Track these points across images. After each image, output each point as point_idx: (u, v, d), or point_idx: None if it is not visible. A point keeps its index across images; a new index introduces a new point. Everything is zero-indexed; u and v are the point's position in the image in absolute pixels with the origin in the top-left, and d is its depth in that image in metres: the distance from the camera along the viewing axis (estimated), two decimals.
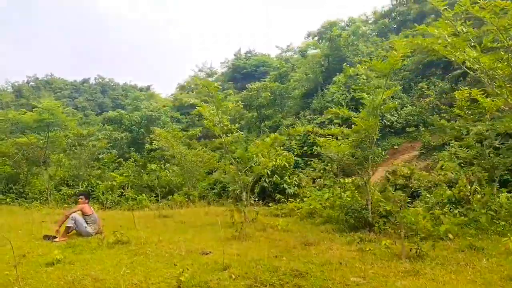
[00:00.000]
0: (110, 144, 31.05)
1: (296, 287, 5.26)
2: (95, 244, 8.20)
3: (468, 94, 9.01)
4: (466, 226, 8.71)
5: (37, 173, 21.50)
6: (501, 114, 11.31)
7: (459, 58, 7.70)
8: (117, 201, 19.37)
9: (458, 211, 10.00)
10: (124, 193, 20.50)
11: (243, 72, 66.40)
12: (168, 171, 22.71)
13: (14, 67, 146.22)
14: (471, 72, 7.80)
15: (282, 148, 12.99)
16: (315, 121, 28.39)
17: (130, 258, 6.93)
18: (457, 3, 6.89)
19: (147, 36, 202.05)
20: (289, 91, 38.03)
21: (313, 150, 25.50)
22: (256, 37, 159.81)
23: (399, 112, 23.50)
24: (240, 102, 11.17)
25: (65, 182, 22.84)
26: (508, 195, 10.49)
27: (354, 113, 9.40)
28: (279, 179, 16.62)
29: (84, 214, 9.38)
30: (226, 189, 22.52)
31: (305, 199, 14.89)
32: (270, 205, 14.73)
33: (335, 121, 24.95)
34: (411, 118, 23.56)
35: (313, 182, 19.32)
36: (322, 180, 18.23)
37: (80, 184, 21.42)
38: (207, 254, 7.28)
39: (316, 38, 48.77)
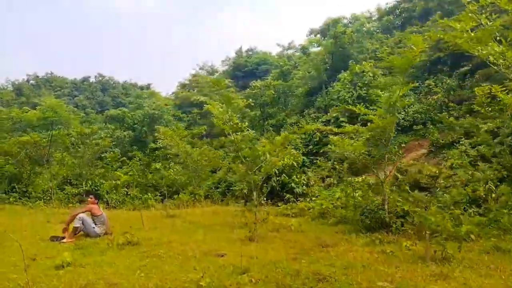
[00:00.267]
0: (113, 143, 30.76)
1: None
2: (104, 246, 7.95)
3: (489, 90, 8.74)
4: (486, 226, 8.45)
5: (40, 172, 21.24)
6: None
7: (482, 52, 7.43)
8: (121, 200, 19.09)
9: (473, 211, 9.76)
10: (128, 193, 20.22)
11: (245, 70, 65.93)
12: (172, 170, 22.45)
13: (14, 65, 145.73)
14: (495, 67, 7.53)
15: (292, 146, 12.68)
16: (320, 120, 28.06)
17: (143, 261, 6.69)
18: None
19: (145, 34, 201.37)
20: (293, 89, 37.66)
21: (319, 148, 25.32)
22: (257, 35, 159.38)
23: (406, 110, 23.16)
24: (251, 99, 10.88)
25: (68, 181, 22.55)
26: None
27: (370, 111, 9.12)
28: (287, 178, 16.37)
29: (93, 215, 9.13)
30: (231, 188, 22.28)
31: (313, 198, 14.64)
32: (279, 205, 14.48)
33: (341, 119, 24.65)
34: (419, 115, 23.22)
35: (323, 182, 19.05)
36: (332, 179, 17.95)
37: (84, 183, 21.16)
38: (222, 256, 7.04)
39: (318, 36, 48.46)
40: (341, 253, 7.00)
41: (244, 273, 5.79)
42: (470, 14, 7.26)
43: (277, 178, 14.94)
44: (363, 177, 15.45)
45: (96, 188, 20.65)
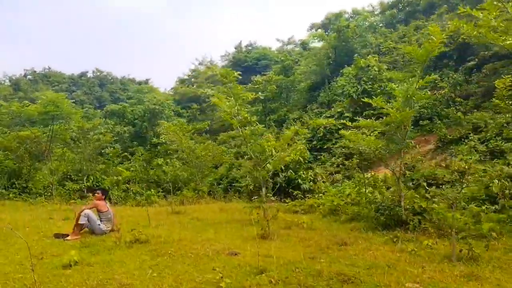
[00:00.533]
0: (114, 138, 30.39)
1: None
2: (111, 243, 7.63)
3: (510, 83, 8.43)
4: (507, 223, 8.17)
5: (40, 168, 20.90)
6: None
7: (507, 43, 7.11)
8: (123, 196, 18.78)
9: (486, 207, 9.49)
10: (130, 188, 19.92)
11: (244, 66, 65.46)
12: (174, 166, 22.12)
13: (11, 60, 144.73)
14: None
15: (302, 141, 12.37)
16: (323, 115, 27.74)
17: (153, 260, 6.39)
18: None
19: (142, 29, 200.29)
20: (295, 84, 37.32)
21: (323, 144, 25.04)
22: (256, 30, 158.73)
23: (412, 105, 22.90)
24: (260, 93, 10.57)
25: (69, 177, 22.22)
26: None
27: (386, 104, 8.80)
28: (293, 174, 16.06)
29: (99, 211, 8.80)
30: (233, 184, 22.00)
31: (320, 195, 14.35)
32: (286, 201, 14.17)
33: (346, 114, 24.38)
34: (425, 110, 22.86)
35: (332, 179, 18.74)
36: (340, 175, 17.65)
37: (84, 179, 20.83)
38: (235, 255, 6.75)
39: (319, 30, 48.03)
40: (361, 252, 6.71)
41: (262, 273, 5.51)
42: (495, 2, 6.94)
43: (283, 174, 14.63)
44: (372, 172, 15.22)
45: (98, 184, 20.35)
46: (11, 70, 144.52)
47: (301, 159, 15.11)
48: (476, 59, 24.24)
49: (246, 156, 11.99)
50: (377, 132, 9.83)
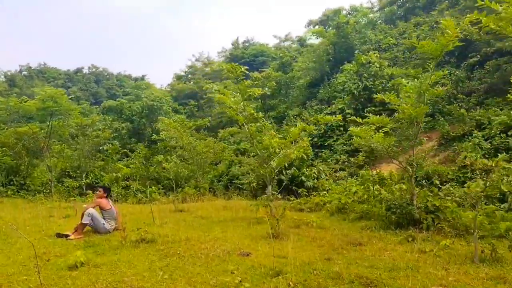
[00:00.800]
0: (113, 135, 30.01)
1: None
2: (116, 243, 7.38)
3: None
4: None
5: (37, 164, 20.56)
6: None
7: None
8: (124, 193, 18.50)
9: (494, 205, 9.30)
10: (130, 185, 19.63)
11: (241, 62, 64.97)
12: (173, 163, 21.82)
13: (6, 55, 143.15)
14: None
15: (309, 138, 12.13)
16: (323, 112, 27.49)
17: (162, 260, 6.15)
18: None
19: (138, 25, 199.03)
20: (294, 80, 37.03)
21: (324, 141, 24.83)
22: (253, 27, 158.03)
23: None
24: (267, 88, 10.35)
25: (67, 173, 21.89)
26: None
27: (399, 100, 8.57)
28: (297, 171, 15.82)
29: (101, 209, 8.53)
30: (234, 181, 21.76)
31: (324, 192, 14.13)
32: (290, 199, 13.94)
33: (347, 111, 24.16)
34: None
35: (336, 176, 18.51)
36: (345, 172, 17.43)
37: (83, 175, 20.50)
38: (247, 255, 6.50)
39: (317, 27, 47.67)
40: (377, 253, 6.49)
41: (278, 275, 5.28)
42: None
43: (287, 171, 14.40)
44: (377, 170, 15.02)
45: (97, 181, 20.05)
46: (6, 66, 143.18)
47: (305, 156, 14.89)
48: (478, 56, 24.09)
49: (252, 154, 11.74)
50: (386, 128, 9.61)
